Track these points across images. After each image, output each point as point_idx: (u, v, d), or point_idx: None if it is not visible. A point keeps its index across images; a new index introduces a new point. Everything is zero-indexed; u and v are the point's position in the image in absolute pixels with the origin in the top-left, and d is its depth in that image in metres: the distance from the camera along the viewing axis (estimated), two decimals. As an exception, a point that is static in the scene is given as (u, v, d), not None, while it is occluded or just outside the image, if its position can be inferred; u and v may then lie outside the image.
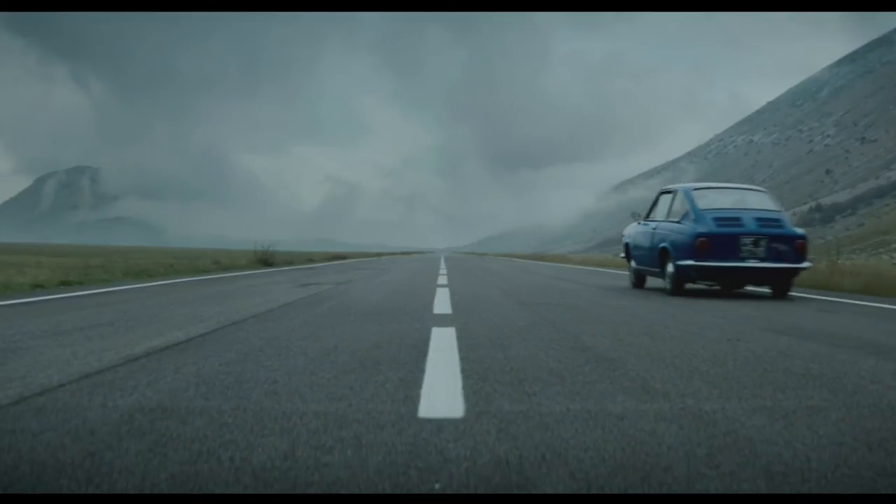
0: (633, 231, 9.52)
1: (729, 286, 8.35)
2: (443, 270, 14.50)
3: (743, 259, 7.29)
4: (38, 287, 8.36)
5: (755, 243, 7.35)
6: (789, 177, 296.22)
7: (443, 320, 4.58)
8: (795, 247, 7.53)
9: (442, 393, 2.34)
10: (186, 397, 2.26)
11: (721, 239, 7.34)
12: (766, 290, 8.19)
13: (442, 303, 5.95)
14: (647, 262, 8.73)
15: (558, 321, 4.62)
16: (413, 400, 2.23)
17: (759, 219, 7.61)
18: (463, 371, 2.72)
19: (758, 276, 7.56)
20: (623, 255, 9.98)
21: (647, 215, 9.18)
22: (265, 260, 19.25)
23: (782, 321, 4.88)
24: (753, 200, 8.45)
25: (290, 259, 24.63)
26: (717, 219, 7.57)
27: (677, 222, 7.96)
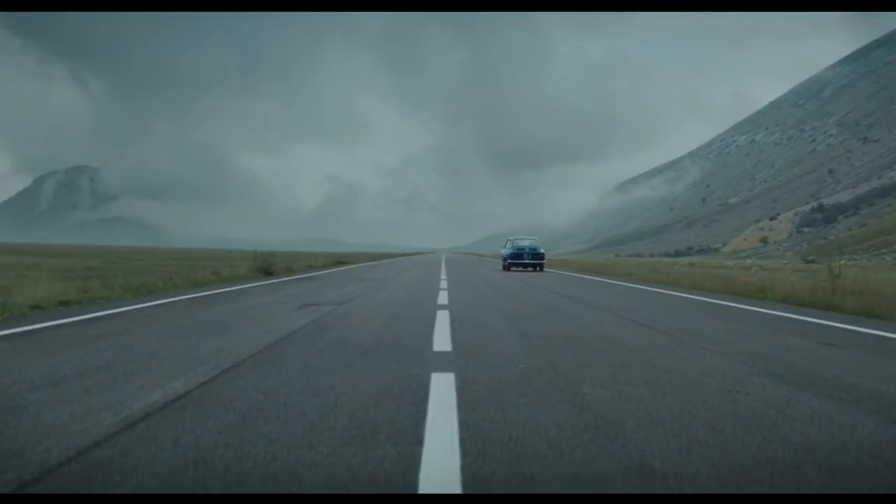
0: (502, 251, 29.11)
1: (523, 269, 26.50)
2: (443, 284, 14.47)
3: (524, 259, 26.42)
4: (36, 308, 8.38)
5: (527, 255, 26.46)
6: (791, 176, 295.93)
7: (442, 361, 4.58)
8: (541, 255, 26.61)
9: (440, 477, 2.33)
10: (185, 483, 2.26)
11: (517, 254, 26.69)
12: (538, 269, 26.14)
13: (442, 334, 5.94)
14: (504, 261, 27.52)
15: (558, 363, 4.61)
16: (412, 485, 2.23)
17: (530, 248, 26.82)
18: (462, 442, 2.72)
19: (529, 265, 26.52)
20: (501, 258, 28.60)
21: (504, 246, 29.02)
22: (265, 269, 19.26)
23: (782, 360, 4.87)
24: (532, 242, 27.62)
25: (290, 265, 24.63)
26: (517, 248, 27.06)
27: (508, 249, 27.60)
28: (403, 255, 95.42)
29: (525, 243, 27.32)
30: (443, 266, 32.10)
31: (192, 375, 4.07)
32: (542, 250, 26.68)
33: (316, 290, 12.41)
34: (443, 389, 3.72)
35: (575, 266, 32.69)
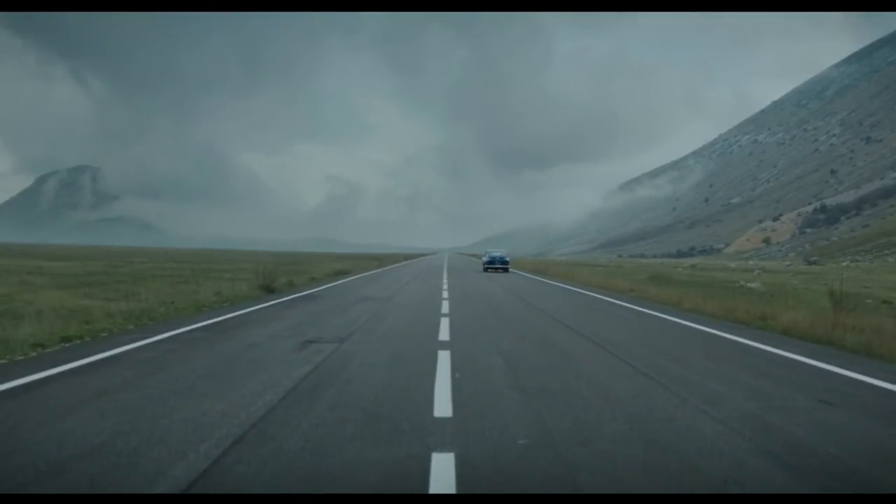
0: (483, 259, 46.21)
1: (494, 271, 40.36)
2: (445, 308, 14.45)
3: (495, 264, 41.86)
4: (38, 346, 8.42)
5: (497, 262, 42.19)
6: (794, 176, 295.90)
7: (442, 434, 4.61)
8: (506, 262, 42.63)
9: None
10: None
11: (491, 261, 42.49)
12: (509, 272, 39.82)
13: (443, 391, 5.95)
14: (483, 265, 43.06)
15: (557, 436, 4.63)
16: None
17: (499, 257, 42.94)
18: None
19: (498, 269, 41.23)
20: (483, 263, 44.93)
21: (483, 255, 48.03)
22: (266, 286, 19.30)
23: (781, 430, 4.89)
24: (501, 253, 44.07)
25: (292, 278, 24.70)
26: (491, 257, 43.09)
27: (486, 258, 44.00)
28: (405, 257, 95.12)
29: (497, 254, 44.29)
30: (444, 278, 32.13)
31: (194, 458, 4.09)
32: (507, 259, 43.75)
33: (317, 318, 12.42)
34: (443, 478, 3.75)
35: (575, 278, 32.69)
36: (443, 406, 5.44)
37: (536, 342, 9.46)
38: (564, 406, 5.54)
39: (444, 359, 7.72)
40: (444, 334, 9.97)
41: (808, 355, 8.45)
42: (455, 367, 7.15)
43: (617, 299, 18.43)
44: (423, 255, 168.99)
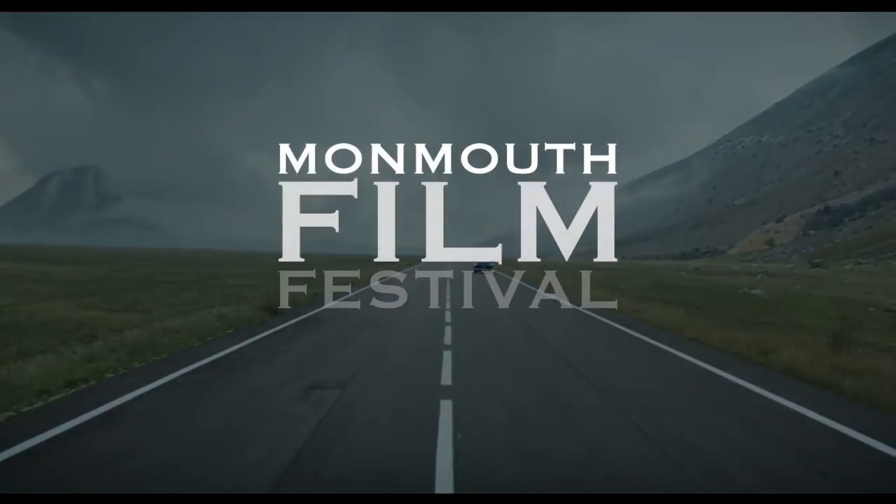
0: (474, 263, 59.13)
1: (482, 273, 53.29)
2: (447, 338, 14.49)
3: (482, 268, 57.01)
4: (44, 393, 8.53)
5: (483, 266, 57.65)
6: (797, 178, 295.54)
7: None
8: (491, 266, 59.00)
9: None
10: None
11: (479, 265, 57.58)
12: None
13: (444, 459, 6.01)
14: (474, 267, 57.54)
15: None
16: None
17: (488, 261, 57.05)
18: None
19: (485, 270, 56.39)
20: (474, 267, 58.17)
21: (475, 262, 59.67)
22: (271, 307, 19.43)
23: (779, 512, 4.95)
24: (487, 260, 57.07)
25: (296, 294, 24.77)
26: (479, 263, 57.59)
27: (476, 263, 58.12)
28: (408, 262, 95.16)
29: (483, 260, 57.04)
30: (447, 294, 32.20)
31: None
32: (491, 263, 59.24)
33: (320, 351, 12.49)
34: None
35: (578, 293, 32.64)
36: (444, 481, 5.49)
37: (539, 389, 9.42)
38: (566, 484, 5.59)
39: (446, 411, 7.77)
40: (446, 377, 9.98)
41: (807, 404, 8.46)
42: (457, 424, 7.20)
43: (620, 323, 18.43)
44: (422, 257, 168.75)
